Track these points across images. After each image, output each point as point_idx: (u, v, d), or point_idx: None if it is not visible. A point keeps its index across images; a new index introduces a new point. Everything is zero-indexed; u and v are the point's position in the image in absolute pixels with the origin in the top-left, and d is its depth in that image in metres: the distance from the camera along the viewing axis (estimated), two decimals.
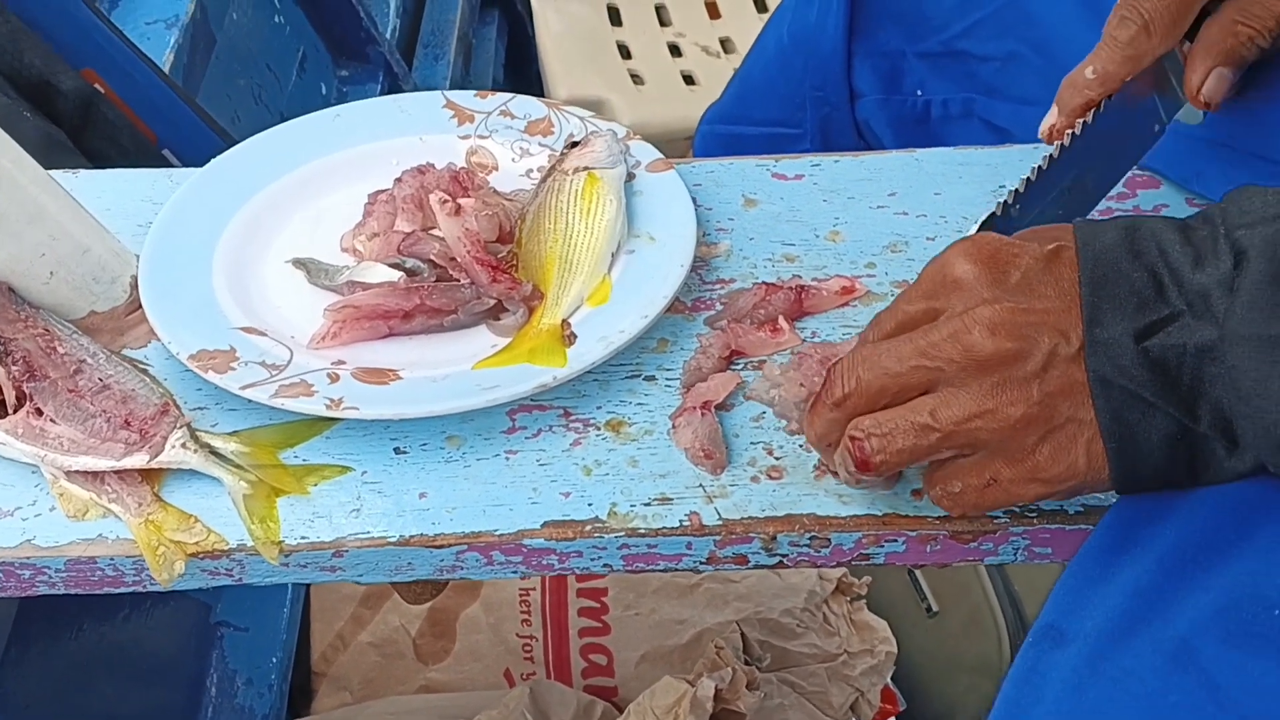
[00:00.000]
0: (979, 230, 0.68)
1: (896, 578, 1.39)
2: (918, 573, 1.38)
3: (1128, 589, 0.52)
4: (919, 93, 1.08)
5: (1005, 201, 0.69)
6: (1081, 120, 0.71)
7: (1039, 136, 0.73)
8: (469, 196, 0.78)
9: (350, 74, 1.86)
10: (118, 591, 0.66)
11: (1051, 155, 0.70)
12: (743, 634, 1.09)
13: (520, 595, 1.17)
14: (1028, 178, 0.70)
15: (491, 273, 0.73)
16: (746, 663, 1.08)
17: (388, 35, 1.92)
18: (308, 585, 1.22)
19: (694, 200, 0.80)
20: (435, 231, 0.77)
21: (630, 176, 0.82)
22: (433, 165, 0.82)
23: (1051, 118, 0.72)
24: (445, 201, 0.76)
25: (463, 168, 0.83)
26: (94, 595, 0.83)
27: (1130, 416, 0.52)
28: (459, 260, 0.74)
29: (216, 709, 1.10)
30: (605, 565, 0.66)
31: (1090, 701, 0.49)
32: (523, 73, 2.45)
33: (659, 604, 1.13)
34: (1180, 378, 0.51)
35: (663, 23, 2.20)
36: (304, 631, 1.20)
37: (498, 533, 0.64)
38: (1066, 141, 0.70)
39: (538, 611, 1.16)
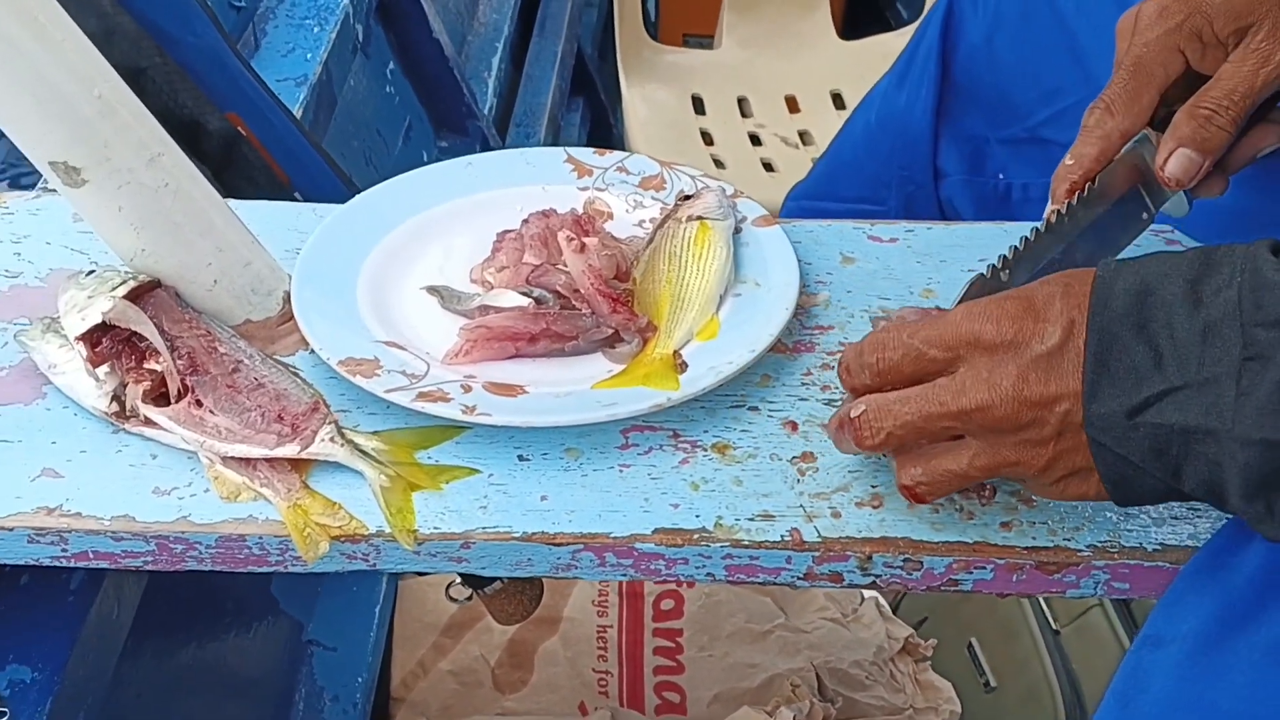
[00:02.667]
0: (967, 289, 0.74)
1: (956, 651, 1.41)
2: (977, 647, 1.41)
3: (1220, 599, 0.57)
4: (1001, 175, 1.14)
5: (995, 266, 0.75)
6: (1067, 201, 0.78)
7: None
8: (591, 237, 0.85)
9: (449, 145, 1.96)
10: (260, 571, 0.71)
11: (1039, 229, 0.76)
12: (818, 675, 1.13)
13: (598, 631, 1.21)
14: (1016, 246, 0.75)
15: (612, 304, 0.80)
16: (820, 702, 1.11)
17: (485, 112, 2.02)
18: (393, 611, 1.27)
19: (796, 254, 0.86)
20: (560, 267, 0.83)
21: (738, 229, 0.88)
22: (555, 210, 0.89)
23: (1049, 207, 0.80)
24: (572, 239, 0.82)
25: (583, 214, 0.89)
26: (201, 601, 0.89)
27: (1125, 473, 0.59)
28: (582, 291, 0.80)
29: None
30: (709, 574, 0.70)
31: (1194, 690, 0.55)
32: None
33: (733, 647, 1.17)
34: (1168, 451, 0.57)
35: (744, 114, 2.29)
36: (386, 656, 1.25)
37: (612, 535, 0.69)
38: (1053, 219, 0.77)
39: (614, 647, 1.20)
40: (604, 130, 2.63)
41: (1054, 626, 1.35)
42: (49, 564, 0.71)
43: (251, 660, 1.12)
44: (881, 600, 1.30)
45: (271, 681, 1.15)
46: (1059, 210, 0.77)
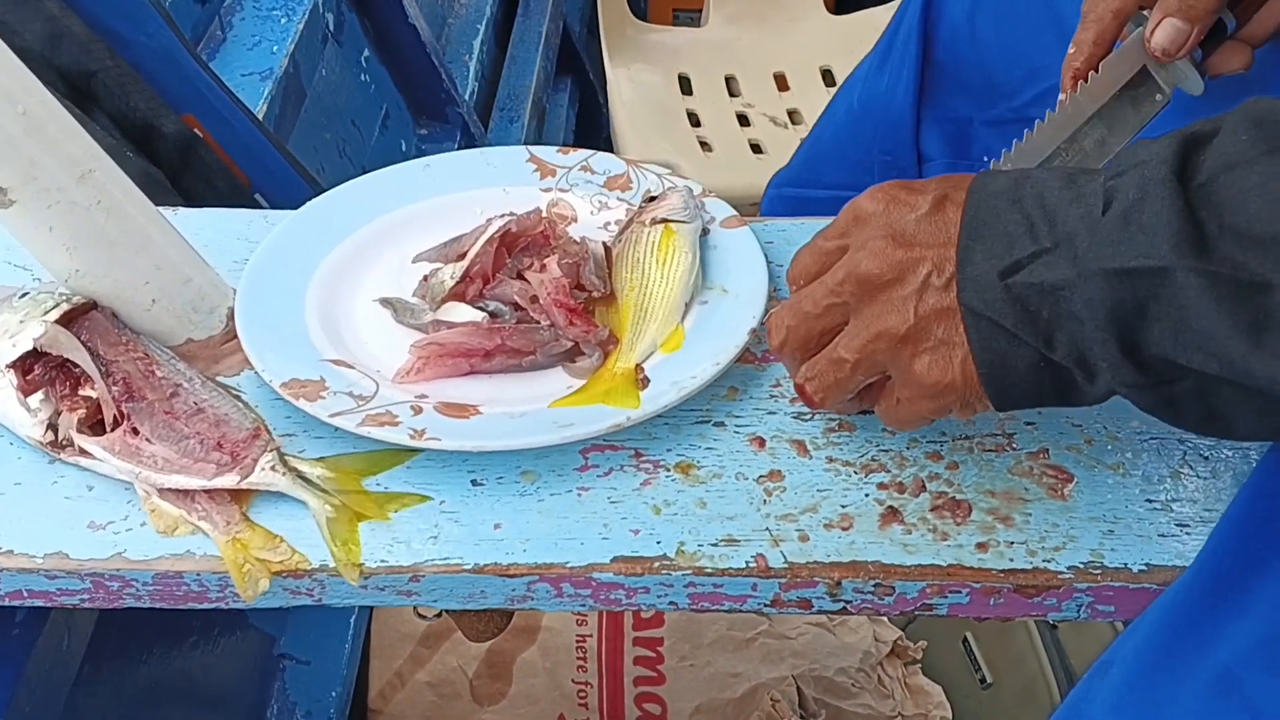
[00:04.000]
0: None
1: (951, 648, 1.38)
2: (973, 643, 1.38)
3: (1164, 610, 0.53)
4: (986, 158, 1.10)
5: (997, 161, 0.72)
6: (1072, 93, 0.77)
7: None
8: (550, 252, 0.81)
9: (429, 133, 1.92)
10: (201, 608, 0.68)
11: (1042, 121, 0.74)
12: (799, 688, 1.10)
13: (577, 641, 1.18)
14: (1018, 140, 0.73)
15: (569, 315, 0.76)
16: (802, 718, 1.08)
17: (466, 97, 1.98)
18: (369, 622, 1.24)
19: (766, 256, 0.82)
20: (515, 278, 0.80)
21: (705, 231, 0.84)
22: (514, 214, 0.86)
23: (1059, 97, 0.80)
24: (531, 264, 0.79)
25: (545, 217, 0.86)
26: (166, 622, 0.86)
27: (997, 345, 0.57)
28: (541, 302, 0.77)
29: None
30: (671, 603, 0.67)
31: None
32: (592, 137, 2.50)
33: (714, 656, 1.14)
34: (1039, 312, 0.55)
35: (732, 93, 2.25)
36: (362, 668, 1.22)
37: (568, 565, 0.66)
38: (1057, 109, 0.74)
39: (594, 658, 1.17)
40: (593, 110, 2.59)
41: (1051, 622, 1.32)
42: None
43: (221, 677, 1.09)
44: None
45: (242, 698, 1.12)
46: (1063, 100, 0.75)
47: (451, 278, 0.78)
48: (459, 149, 1.90)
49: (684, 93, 2.24)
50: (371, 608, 1.26)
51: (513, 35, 2.33)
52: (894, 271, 0.59)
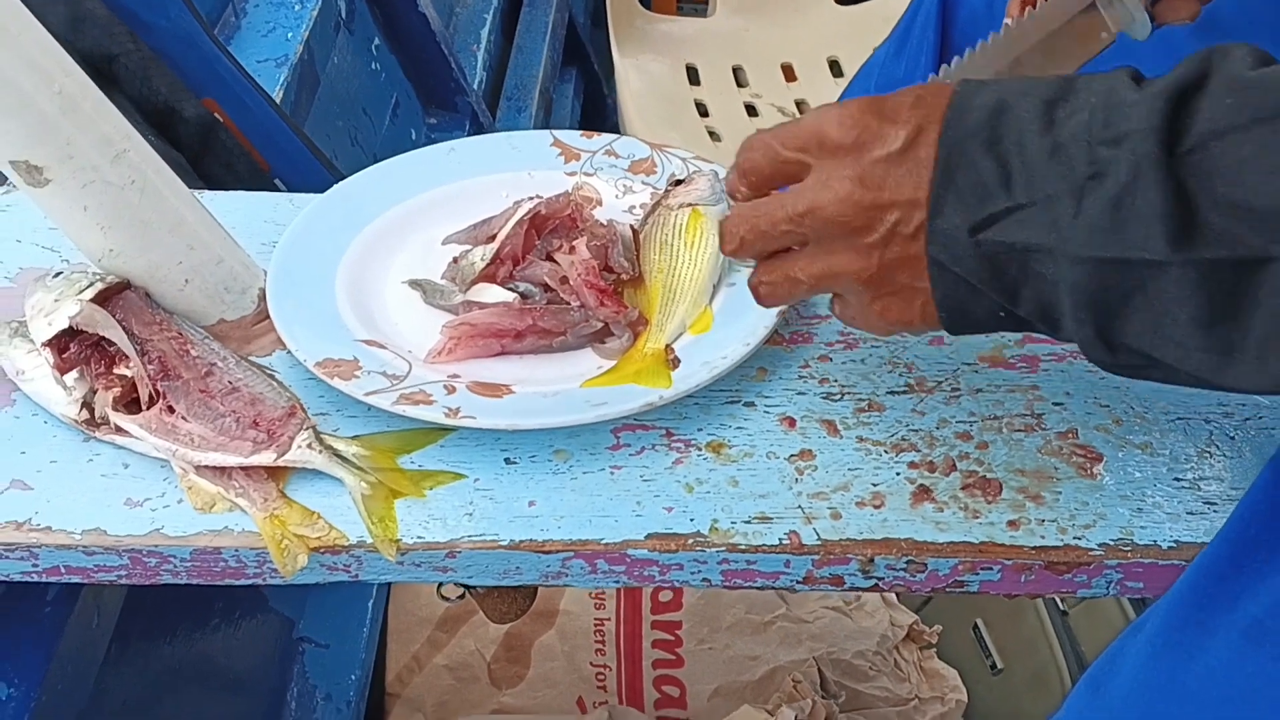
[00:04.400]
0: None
1: (962, 633, 1.39)
2: (983, 629, 1.39)
3: (1193, 576, 0.54)
4: None
5: (935, 75, 0.73)
6: (1019, 18, 0.77)
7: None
8: (579, 234, 0.81)
9: (439, 121, 1.92)
10: (238, 584, 0.68)
11: (986, 42, 0.74)
12: (820, 670, 1.10)
13: (595, 624, 1.19)
14: (959, 57, 0.73)
15: (600, 296, 0.77)
16: (823, 698, 1.09)
17: (475, 87, 1.98)
18: (386, 606, 1.25)
19: None
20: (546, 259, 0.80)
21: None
22: (540, 197, 0.86)
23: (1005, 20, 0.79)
24: (560, 245, 0.79)
25: (572, 199, 0.86)
26: (190, 604, 0.87)
27: (960, 294, 0.56)
28: (571, 283, 0.77)
29: None
30: (704, 579, 0.68)
31: (1164, 671, 0.52)
32: (597, 127, 2.50)
33: (733, 639, 1.14)
34: (1007, 270, 0.54)
35: (740, 84, 2.25)
36: (380, 652, 1.22)
37: (603, 541, 0.66)
38: (1001, 31, 0.74)
39: (612, 641, 1.17)
40: (598, 101, 2.59)
41: (1061, 608, 1.33)
42: (19, 579, 0.68)
43: (242, 659, 1.10)
44: None
45: (263, 680, 1.13)
46: (1009, 23, 0.75)
47: (482, 259, 0.79)
48: (504, 132, 1.91)
49: (692, 83, 2.24)
50: (389, 592, 1.27)
51: (519, 25, 2.33)
52: (860, 219, 0.57)
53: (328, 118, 1.52)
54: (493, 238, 0.80)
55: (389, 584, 1.26)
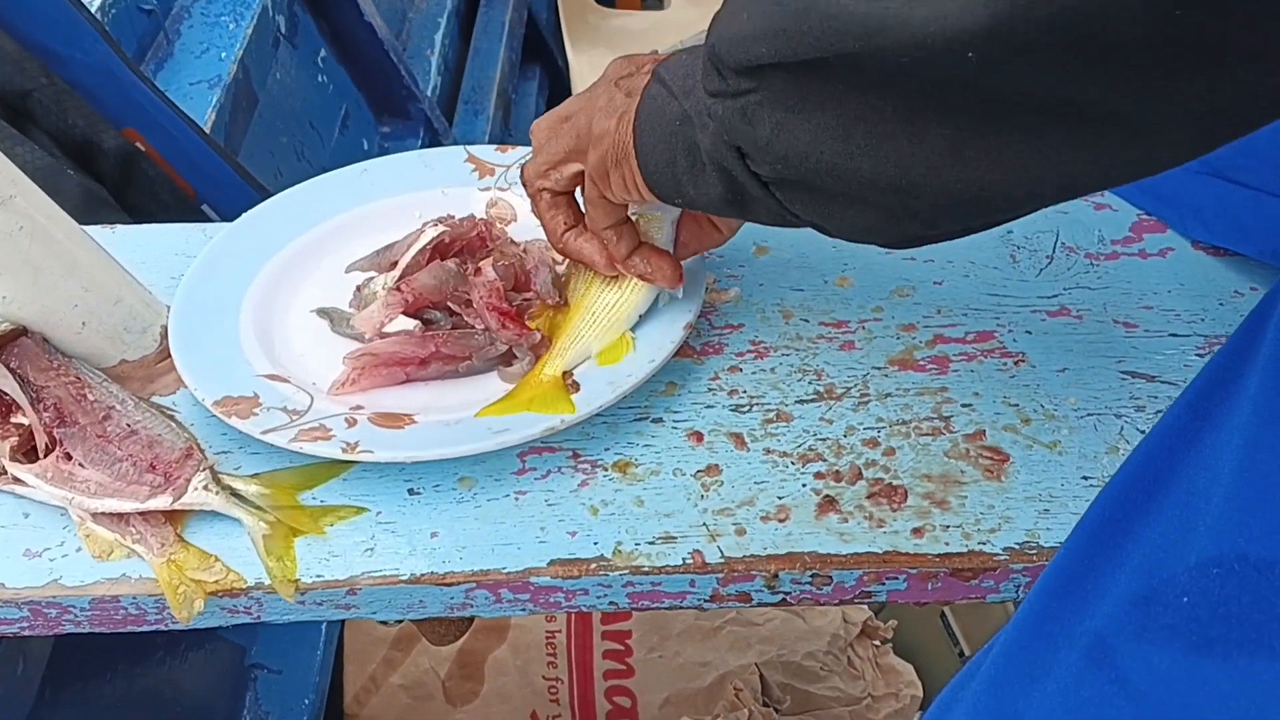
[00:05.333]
0: None
1: (929, 622, 1.38)
2: (950, 617, 1.38)
3: (1048, 573, 0.53)
4: None
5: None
6: None
7: None
8: (486, 255, 0.80)
9: (392, 130, 1.91)
10: (140, 630, 0.68)
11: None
12: (761, 676, 1.09)
13: (547, 637, 1.18)
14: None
15: (500, 319, 0.76)
16: (765, 704, 1.08)
17: (429, 93, 1.97)
18: (341, 629, 1.24)
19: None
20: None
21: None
22: (453, 216, 0.85)
23: None
24: (465, 265, 0.78)
25: (482, 219, 0.85)
26: (129, 637, 0.86)
27: (659, 99, 0.61)
28: (475, 306, 0.76)
29: None
30: (611, 603, 0.67)
31: (1005, 697, 0.50)
32: None
33: (682, 646, 1.14)
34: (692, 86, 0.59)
35: None
36: (336, 674, 1.22)
37: (505, 571, 0.66)
38: None
39: (564, 653, 1.17)
40: (563, 97, 2.56)
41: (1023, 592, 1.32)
42: None
43: (191, 691, 1.09)
44: None
45: (214, 710, 1.12)
46: None
47: (384, 288, 0.78)
48: (422, 145, 1.90)
49: None
50: None
51: (476, 27, 2.32)
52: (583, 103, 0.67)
53: (270, 135, 1.51)
54: (395, 264, 0.79)
55: None
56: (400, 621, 0.91)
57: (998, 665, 0.52)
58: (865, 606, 1.27)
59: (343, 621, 1.25)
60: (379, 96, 1.89)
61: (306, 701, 1.13)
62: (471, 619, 0.90)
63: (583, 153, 0.67)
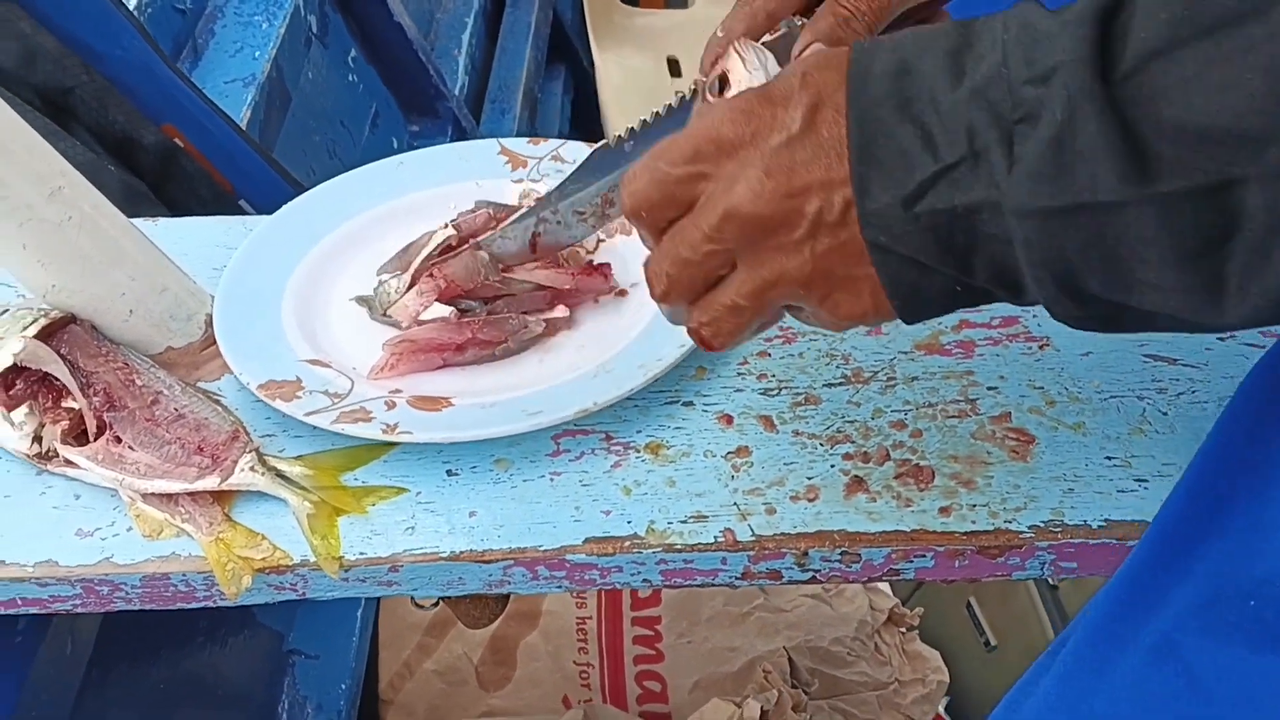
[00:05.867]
0: (588, 158, 0.73)
1: (955, 612, 1.40)
2: (976, 607, 1.39)
3: (1118, 579, 0.54)
4: None
5: (620, 135, 0.72)
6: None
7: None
8: None
9: (421, 129, 1.93)
10: (189, 607, 0.70)
11: (672, 104, 0.72)
12: (790, 659, 1.11)
13: (578, 624, 1.20)
14: (645, 119, 0.71)
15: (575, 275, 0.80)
16: (793, 687, 1.09)
17: (456, 92, 1.99)
18: (376, 615, 1.26)
19: None
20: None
21: None
22: (488, 203, 0.87)
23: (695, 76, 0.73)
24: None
25: (489, 208, 0.86)
26: (171, 623, 0.88)
27: (908, 276, 0.51)
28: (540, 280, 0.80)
29: None
30: (644, 580, 0.69)
31: (1075, 691, 0.51)
32: (589, 124, 2.51)
33: (711, 632, 1.15)
34: (954, 238, 0.49)
35: None
36: (371, 660, 1.24)
37: (542, 548, 0.67)
38: (688, 93, 0.71)
39: (594, 639, 1.19)
40: (589, 96, 2.59)
41: (1051, 583, 1.34)
42: None
43: (230, 675, 1.12)
44: None
45: (253, 694, 1.15)
46: (694, 85, 0.73)
47: (397, 291, 0.80)
48: (451, 143, 1.93)
49: (674, 75, 2.25)
50: (379, 600, 1.28)
51: (502, 27, 2.34)
52: (780, 213, 0.52)
53: (303, 133, 1.53)
54: (409, 265, 0.81)
55: None
56: (437, 603, 0.93)
57: (1067, 664, 0.53)
58: (891, 594, 1.28)
59: (377, 608, 1.28)
60: (408, 96, 1.91)
61: (343, 686, 1.16)
62: (505, 603, 0.92)
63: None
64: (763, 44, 0.69)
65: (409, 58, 1.87)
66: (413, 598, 0.95)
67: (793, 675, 1.11)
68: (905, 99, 0.49)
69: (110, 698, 0.93)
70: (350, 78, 1.76)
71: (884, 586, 1.26)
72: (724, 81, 0.63)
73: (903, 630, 1.20)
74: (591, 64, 2.52)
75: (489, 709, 1.20)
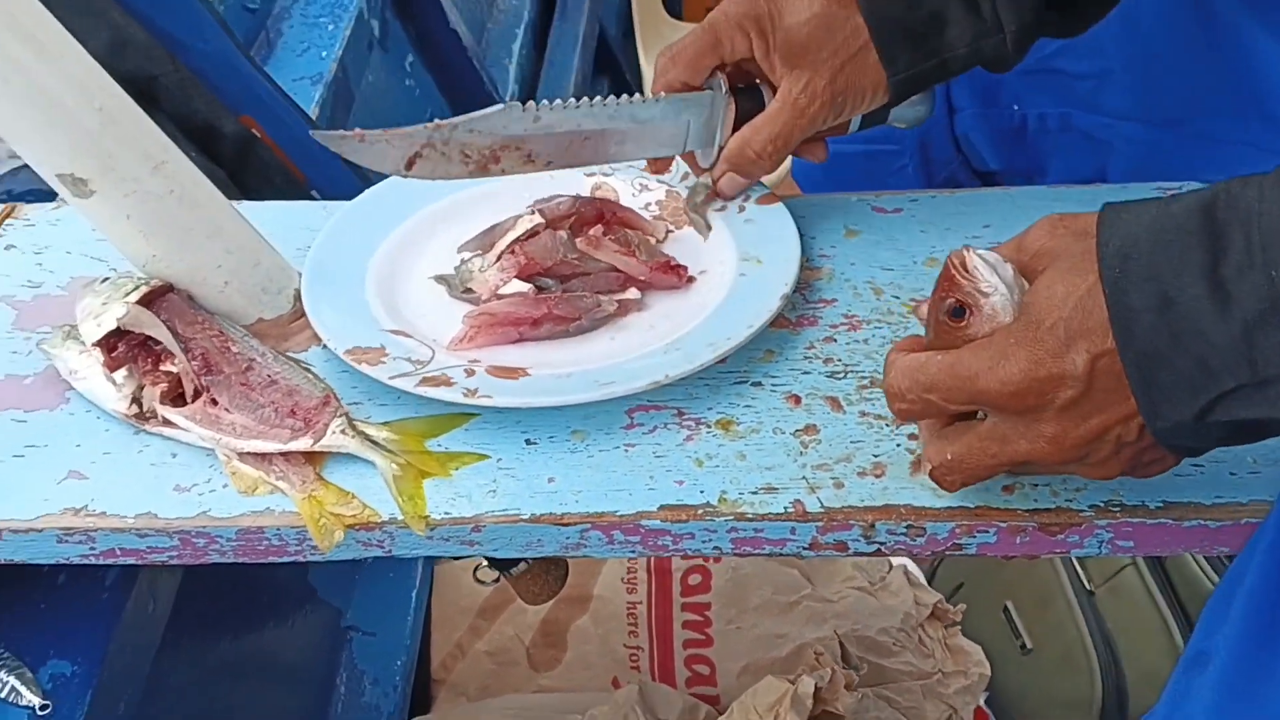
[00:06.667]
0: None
1: (992, 614, 1.42)
2: (1013, 611, 1.41)
3: (1251, 598, 0.57)
4: (1016, 106, 1.12)
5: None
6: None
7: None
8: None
9: None
10: (280, 561, 0.73)
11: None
12: (841, 644, 1.13)
13: (628, 607, 1.23)
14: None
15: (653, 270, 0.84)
16: (844, 669, 1.12)
17: (507, 98, 2.03)
18: (429, 595, 1.29)
19: (799, 229, 0.86)
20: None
21: (741, 209, 0.89)
22: (561, 197, 0.90)
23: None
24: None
25: (583, 198, 0.90)
26: (239, 595, 0.91)
27: (1206, 446, 0.60)
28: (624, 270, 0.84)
29: (345, 706, 1.18)
30: (715, 547, 0.72)
31: (1231, 715, 0.54)
32: None
33: (760, 619, 1.18)
34: (1242, 429, 0.56)
35: None
36: (424, 640, 1.27)
37: (618, 513, 0.70)
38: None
39: (644, 623, 1.21)
40: None
41: (1088, 588, 1.35)
42: (79, 562, 0.73)
43: (291, 648, 1.15)
44: (911, 567, 1.31)
45: (312, 667, 1.18)
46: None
47: (480, 270, 0.83)
48: None
49: None
50: (431, 583, 1.31)
51: (550, 38, 2.38)
52: (1080, 451, 0.59)
53: None
54: (493, 245, 0.84)
55: (431, 574, 1.31)
56: (498, 579, 0.96)
57: (1219, 690, 0.56)
58: (934, 589, 1.31)
59: (430, 590, 1.31)
60: (461, 102, 1.95)
61: (399, 663, 1.19)
62: (564, 582, 0.96)
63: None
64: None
65: (464, 65, 1.91)
66: (474, 573, 0.98)
67: (843, 659, 1.14)
68: (1174, 333, 0.53)
69: (183, 660, 0.96)
70: (407, 82, 1.81)
71: (927, 584, 1.29)
72: (961, 306, 0.62)
73: (945, 625, 1.23)
74: (634, 78, 2.56)
75: (539, 689, 1.22)
